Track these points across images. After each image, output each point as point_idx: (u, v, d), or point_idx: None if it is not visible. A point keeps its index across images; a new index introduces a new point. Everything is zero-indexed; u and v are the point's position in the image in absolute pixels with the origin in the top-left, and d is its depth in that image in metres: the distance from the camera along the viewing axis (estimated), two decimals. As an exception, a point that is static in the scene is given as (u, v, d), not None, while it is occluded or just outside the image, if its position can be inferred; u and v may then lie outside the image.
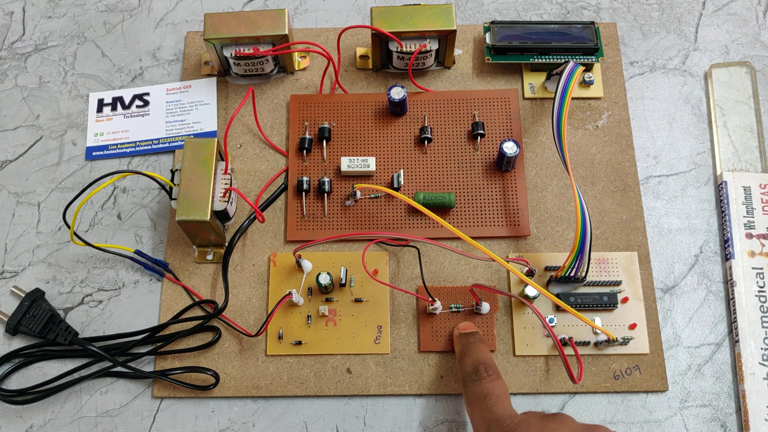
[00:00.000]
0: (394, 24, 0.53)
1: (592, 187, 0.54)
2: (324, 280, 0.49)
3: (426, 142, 0.55)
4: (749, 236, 0.52)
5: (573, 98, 0.56)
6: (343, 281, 0.51)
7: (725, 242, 0.52)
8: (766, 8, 0.61)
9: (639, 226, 0.53)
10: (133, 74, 0.60)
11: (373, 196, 0.54)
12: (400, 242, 0.52)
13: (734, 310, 0.50)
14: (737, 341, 0.49)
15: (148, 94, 0.59)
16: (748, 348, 0.49)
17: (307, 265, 0.51)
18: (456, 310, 0.50)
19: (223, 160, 0.52)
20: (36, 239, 0.54)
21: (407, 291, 0.50)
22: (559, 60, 0.56)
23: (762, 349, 0.49)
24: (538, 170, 0.55)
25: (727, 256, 0.52)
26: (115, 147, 0.57)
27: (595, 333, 0.49)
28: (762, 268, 0.51)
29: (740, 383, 0.48)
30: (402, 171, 0.54)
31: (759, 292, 0.50)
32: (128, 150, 0.57)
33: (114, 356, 0.49)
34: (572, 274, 0.48)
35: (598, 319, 0.50)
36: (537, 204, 0.54)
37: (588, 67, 0.57)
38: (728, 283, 0.52)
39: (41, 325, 0.50)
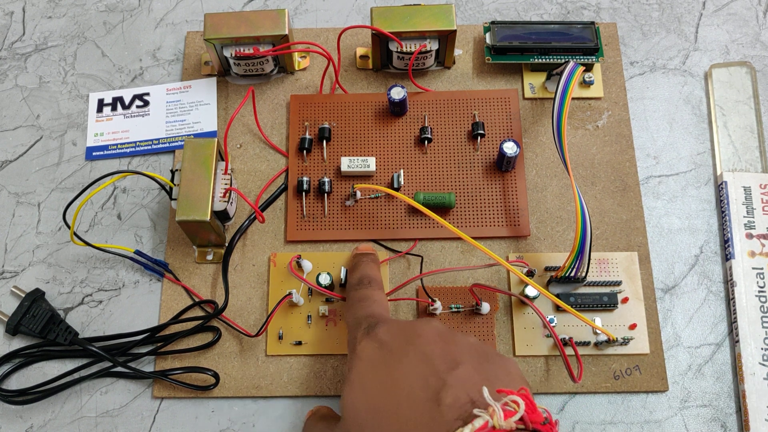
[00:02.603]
0: (394, 24, 0.53)
1: (592, 187, 0.54)
2: (324, 280, 0.49)
3: (426, 142, 0.55)
4: (749, 236, 0.52)
5: (573, 98, 0.56)
6: (344, 281, 0.51)
7: (725, 242, 0.52)
8: (766, 8, 0.61)
9: (639, 226, 0.53)
10: (133, 74, 0.60)
11: (373, 196, 0.54)
12: (400, 253, 0.52)
13: (734, 310, 0.50)
14: (737, 341, 0.49)
15: (148, 94, 0.59)
16: (749, 348, 0.49)
17: (307, 265, 0.51)
18: (456, 310, 0.50)
19: (223, 160, 0.52)
20: (36, 239, 0.54)
21: (406, 298, 0.51)
22: (559, 60, 0.56)
23: (762, 349, 0.49)
24: (538, 170, 0.55)
25: (727, 256, 0.52)
26: (115, 147, 0.57)
27: (596, 333, 0.49)
28: (762, 268, 0.51)
29: (740, 383, 0.48)
30: (402, 171, 0.54)
31: (759, 292, 0.50)
32: (128, 150, 0.57)
33: (114, 356, 0.49)
34: (572, 274, 0.48)
35: (598, 319, 0.50)
36: (537, 204, 0.54)
37: (588, 67, 0.57)
38: (728, 283, 0.51)
39: (41, 325, 0.50)
